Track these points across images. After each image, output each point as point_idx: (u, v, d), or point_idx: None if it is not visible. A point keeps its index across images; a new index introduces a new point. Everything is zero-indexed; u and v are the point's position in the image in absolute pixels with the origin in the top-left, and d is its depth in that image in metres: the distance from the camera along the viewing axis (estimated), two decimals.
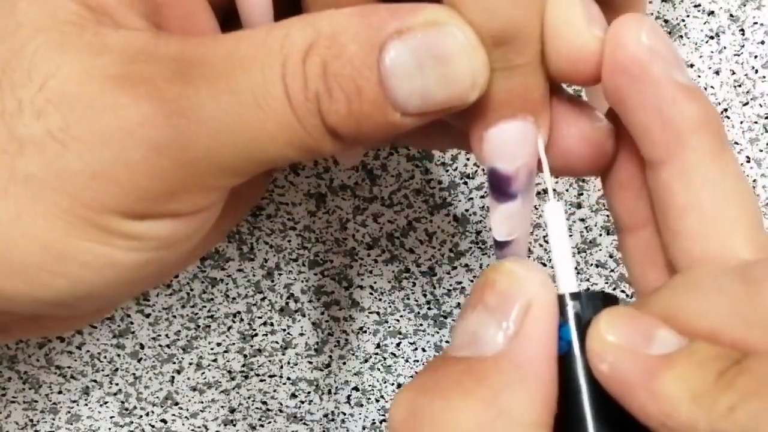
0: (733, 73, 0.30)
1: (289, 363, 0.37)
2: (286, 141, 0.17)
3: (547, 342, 0.16)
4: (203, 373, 0.37)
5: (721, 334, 0.16)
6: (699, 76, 0.30)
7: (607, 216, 0.33)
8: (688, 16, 0.29)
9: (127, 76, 0.17)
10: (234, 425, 0.39)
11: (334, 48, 0.17)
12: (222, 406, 0.38)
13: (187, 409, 0.38)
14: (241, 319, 0.36)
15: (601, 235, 0.33)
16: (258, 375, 0.37)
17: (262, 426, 0.39)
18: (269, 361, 0.37)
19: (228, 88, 0.17)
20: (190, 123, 0.17)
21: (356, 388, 0.38)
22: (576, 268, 0.34)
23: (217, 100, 0.17)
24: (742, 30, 0.30)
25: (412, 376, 0.37)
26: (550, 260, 0.34)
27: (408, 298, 0.35)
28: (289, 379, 0.37)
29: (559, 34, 0.18)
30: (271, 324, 0.36)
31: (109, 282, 0.18)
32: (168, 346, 0.37)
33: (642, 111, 0.18)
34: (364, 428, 0.39)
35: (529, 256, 0.34)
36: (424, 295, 0.35)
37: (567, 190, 0.32)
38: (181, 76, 0.17)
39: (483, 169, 0.32)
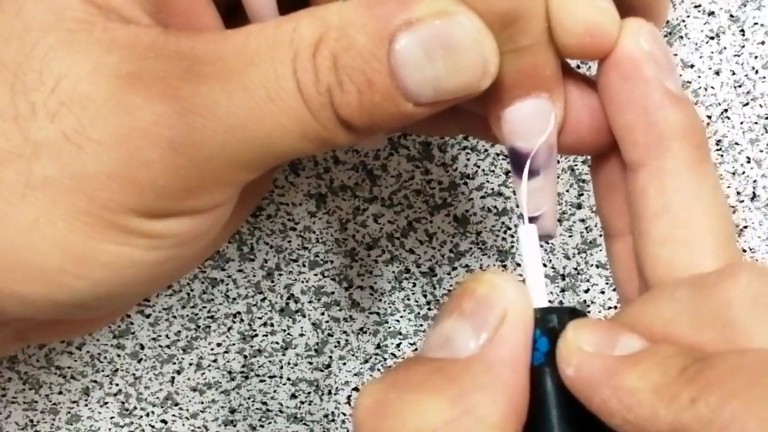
0: (734, 74, 0.30)
1: (289, 363, 0.37)
2: (300, 134, 0.17)
3: (519, 350, 0.17)
4: (203, 373, 0.37)
5: (676, 339, 0.16)
6: (699, 77, 0.30)
7: None
8: (688, 16, 0.29)
9: (139, 75, 0.17)
10: (234, 426, 0.39)
11: (343, 41, 0.17)
12: (222, 407, 0.38)
13: (188, 410, 0.38)
14: (242, 320, 0.36)
15: (601, 235, 0.33)
16: (258, 375, 0.37)
17: (262, 426, 0.39)
18: (269, 361, 0.37)
19: (241, 84, 0.17)
20: (205, 120, 0.17)
21: (356, 389, 0.38)
22: (576, 269, 0.34)
23: (230, 96, 0.17)
24: (743, 30, 0.30)
25: None
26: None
27: (408, 299, 0.35)
28: (289, 379, 0.37)
29: (564, 9, 0.18)
30: (272, 324, 0.36)
31: (128, 281, 0.18)
32: (168, 346, 0.37)
33: (628, 110, 0.18)
34: None
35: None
36: (425, 296, 0.35)
37: (567, 191, 0.32)
38: (194, 74, 0.17)
39: (483, 170, 0.32)
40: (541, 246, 0.34)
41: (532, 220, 0.20)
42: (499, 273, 0.17)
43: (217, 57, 0.17)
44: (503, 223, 0.33)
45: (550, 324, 0.17)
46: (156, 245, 0.18)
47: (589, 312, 0.35)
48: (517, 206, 0.20)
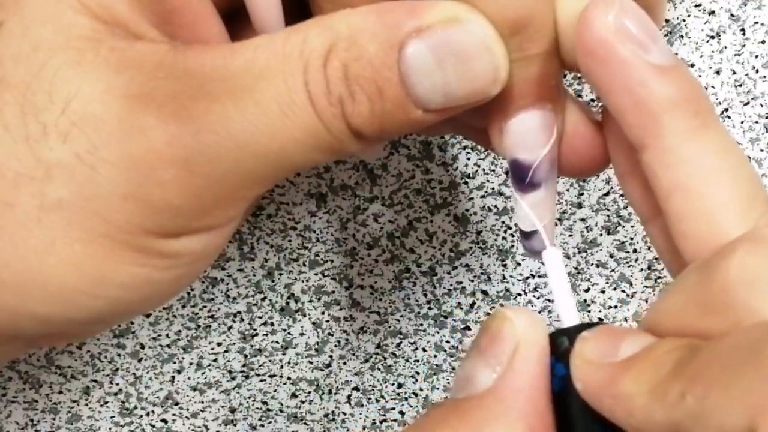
0: (734, 73, 0.30)
1: (289, 363, 0.37)
2: (313, 146, 0.17)
3: (533, 378, 0.17)
4: (204, 372, 0.37)
5: (687, 329, 0.16)
6: (700, 76, 0.30)
7: (608, 216, 0.33)
8: (688, 15, 0.29)
9: (151, 96, 0.17)
10: (234, 425, 0.39)
11: (353, 50, 0.17)
12: (222, 406, 0.38)
13: (188, 409, 0.38)
14: (242, 319, 0.36)
15: (601, 234, 0.33)
16: (258, 375, 0.37)
17: (262, 426, 0.39)
18: (270, 360, 0.37)
19: (252, 100, 0.17)
20: (219, 138, 0.17)
21: (356, 388, 0.38)
22: (576, 268, 0.34)
23: (243, 113, 0.17)
24: (743, 30, 0.30)
25: (412, 376, 0.37)
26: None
27: (408, 298, 0.35)
28: (289, 378, 0.37)
29: (573, 22, 0.18)
30: (272, 324, 0.36)
31: (146, 299, 0.18)
32: (168, 345, 0.37)
33: (614, 94, 0.18)
34: (364, 428, 0.39)
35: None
36: (425, 295, 0.35)
37: (567, 190, 0.32)
38: (205, 92, 0.17)
39: (483, 169, 0.32)
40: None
41: (529, 235, 0.20)
42: (512, 307, 0.18)
43: (227, 74, 0.17)
44: (503, 222, 0.33)
45: (563, 347, 0.17)
46: (173, 264, 0.18)
47: (589, 311, 0.35)
48: (514, 219, 0.20)
